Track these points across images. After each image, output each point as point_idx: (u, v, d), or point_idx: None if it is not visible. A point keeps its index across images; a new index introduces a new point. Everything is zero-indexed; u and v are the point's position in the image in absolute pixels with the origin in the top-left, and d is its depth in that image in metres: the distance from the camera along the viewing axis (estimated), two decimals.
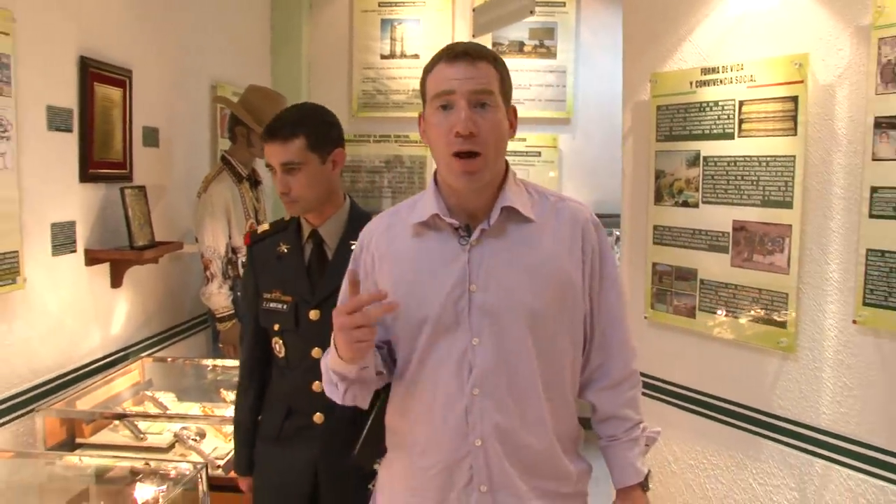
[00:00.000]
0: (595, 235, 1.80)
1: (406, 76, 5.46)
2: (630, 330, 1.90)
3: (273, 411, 2.35)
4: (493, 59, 1.72)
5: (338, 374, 1.74)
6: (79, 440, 2.83)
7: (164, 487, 2.31)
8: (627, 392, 1.88)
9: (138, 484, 2.33)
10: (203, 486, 2.31)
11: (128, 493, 2.37)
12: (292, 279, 2.28)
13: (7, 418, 2.67)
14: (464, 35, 5.34)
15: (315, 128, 2.25)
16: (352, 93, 5.50)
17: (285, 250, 2.32)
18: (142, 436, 2.82)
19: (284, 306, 2.28)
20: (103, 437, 2.86)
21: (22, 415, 2.74)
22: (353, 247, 2.15)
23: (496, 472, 1.74)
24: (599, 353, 1.85)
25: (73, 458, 2.54)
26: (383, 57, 5.49)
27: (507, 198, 1.74)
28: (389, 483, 1.89)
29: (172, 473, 2.38)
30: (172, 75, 3.92)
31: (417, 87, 5.54)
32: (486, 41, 5.21)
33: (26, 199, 2.74)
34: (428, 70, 1.75)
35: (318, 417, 2.26)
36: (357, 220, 2.30)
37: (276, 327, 2.29)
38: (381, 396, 2.12)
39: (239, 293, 3.61)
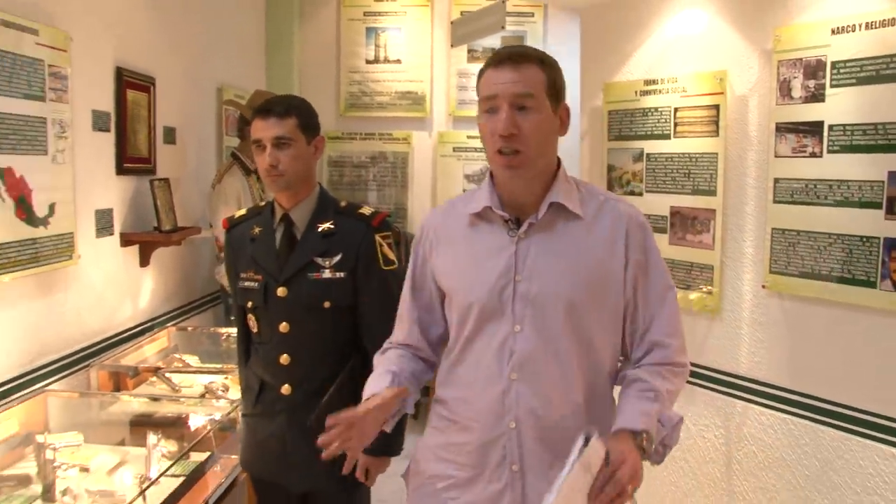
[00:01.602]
0: (640, 235, 1.83)
1: (389, 79, 5.96)
2: (678, 325, 1.89)
3: (250, 386, 2.51)
4: (539, 60, 1.76)
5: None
6: (123, 392, 3.33)
7: (211, 418, 2.82)
8: (665, 378, 1.82)
9: (191, 415, 2.84)
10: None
11: (180, 425, 2.87)
12: (263, 259, 2.43)
13: (65, 373, 3.16)
14: (441, 42, 5.87)
15: (305, 112, 2.43)
16: (339, 94, 6.00)
17: (257, 232, 2.47)
18: (177, 388, 3.32)
19: (256, 284, 2.42)
20: (143, 390, 3.35)
21: (75, 371, 3.24)
22: (319, 229, 2.40)
23: (528, 454, 1.79)
24: (645, 343, 1.85)
25: (126, 398, 3.06)
26: (368, 62, 5.99)
27: (556, 194, 1.79)
28: (426, 454, 1.96)
29: (212, 412, 2.88)
30: (186, 80, 4.42)
31: (400, 89, 6.11)
32: (462, 49, 5.74)
33: (78, 188, 3.22)
34: (479, 75, 1.81)
35: (285, 389, 2.40)
36: (325, 204, 2.47)
37: (250, 304, 2.45)
38: (345, 370, 2.39)
39: None
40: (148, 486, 2.26)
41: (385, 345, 2.06)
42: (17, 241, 2.80)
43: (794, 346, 2.91)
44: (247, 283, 2.44)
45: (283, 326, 2.39)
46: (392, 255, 2.50)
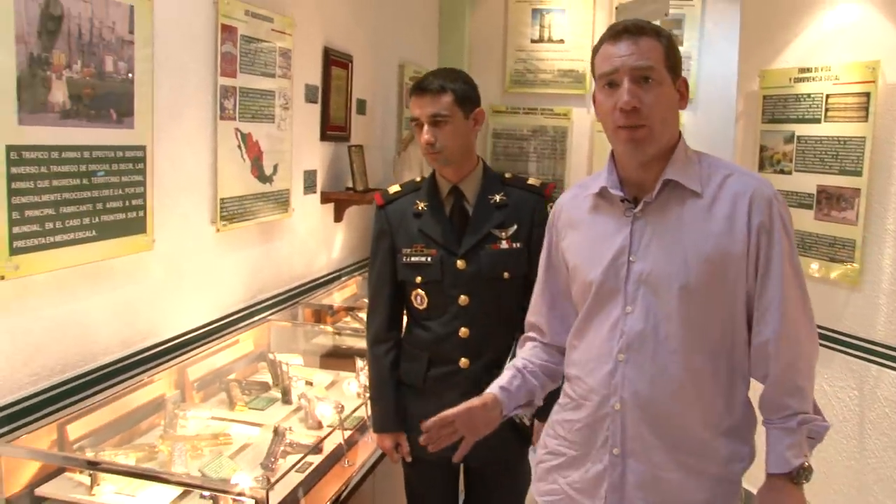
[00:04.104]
0: (766, 211, 1.69)
1: (552, 58, 6.34)
2: (802, 313, 1.75)
3: (415, 363, 2.49)
4: (656, 33, 1.70)
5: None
6: (328, 325, 3.89)
7: None
8: (790, 379, 1.73)
9: None
10: None
11: None
12: (436, 232, 2.41)
13: (279, 308, 3.76)
14: (602, 24, 6.19)
15: (462, 85, 2.38)
16: (505, 71, 6.42)
17: (424, 207, 2.44)
18: None
19: (429, 258, 2.40)
20: (340, 326, 3.92)
21: (287, 306, 3.83)
22: (491, 201, 2.41)
23: (630, 438, 1.75)
24: (762, 331, 1.72)
25: (328, 328, 3.64)
26: (533, 41, 6.38)
27: (672, 171, 1.73)
28: (548, 429, 1.99)
29: None
30: (375, 58, 4.95)
31: (562, 67, 6.46)
32: None
33: (293, 152, 3.80)
34: (595, 51, 1.77)
35: (463, 363, 2.41)
36: (491, 178, 2.48)
37: (419, 279, 2.43)
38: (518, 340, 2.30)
39: None
40: (369, 397, 2.75)
41: (525, 331, 2.12)
42: (251, 195, 3.39)
43: None
44: (415, 258, 2.43)
45: (463, 299, 2.40)
46: None
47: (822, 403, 3.57)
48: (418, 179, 2.59)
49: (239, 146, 3.27)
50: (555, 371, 2.02)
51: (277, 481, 2.12)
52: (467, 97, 2.40)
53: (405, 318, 2.59)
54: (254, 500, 1.94)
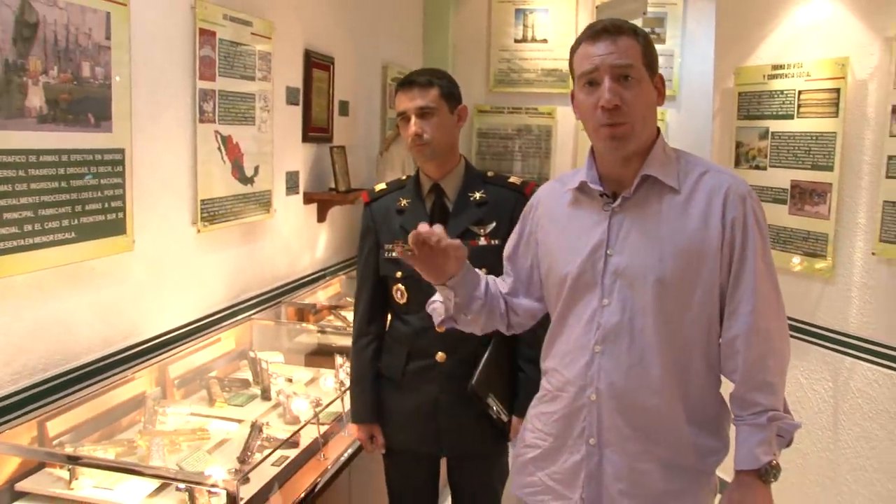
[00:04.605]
0: (740, 207, 1.72)
1: (535, 57, 6.40)
2: (773, 309, 1.78)
3: (394, 356, 2.55)
4: (633, 32, 1.73)
5: (442, 303, 1.99)
6: (311, 323, 3.93)
7: None
8: (759, 375, 1.75)
9: None
10: None
11: None
12: (416, 228, 2.60)
13: (262, 307, 3.81)
14: (585, 23, 6.22)
15: (447, 82, 2.47)
16: (489, 71, 6.48)
17: (406, 203, 2.51)
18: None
19: (409, 254, 2.57)
20: (322, 324, 3.97)
21: (270, 306, 3.88)
22: (471, 198, 2.46)
23: (606, 429, 1.79)
24: (732, 326, 1.75)
25: (311, 326, 3.69)
26: (516, 41, 6.45)
27: (650, 167, 1.77)
28: (526, 423, 2.04)
29: None
30: (358, 60, 5.00)
31: (546, 66, 6.52)
32: None
33: (275, 154, 3.84)
34: (573, 50, 1.80)
35: (440, 357, 2.45)
36: (472, 176, 2.52)
37: (399, 274, 2.46)
38: (496, 336, 2.38)
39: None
40: (344, 392, 2.82)
41: None
42: (232, 196, 3.43)
43: None
44: (395, 254, 2.38)
45: None
46: None
47: (798, 396, 3.67)
48: (403, 178, 2.65)
49: (219, 148, 3.31)
50: (497, 305, 2.01)
51: (250, 472, 2.16)
52: (452, 93, 2.47)
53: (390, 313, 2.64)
54: (226, 492, 1.99)
